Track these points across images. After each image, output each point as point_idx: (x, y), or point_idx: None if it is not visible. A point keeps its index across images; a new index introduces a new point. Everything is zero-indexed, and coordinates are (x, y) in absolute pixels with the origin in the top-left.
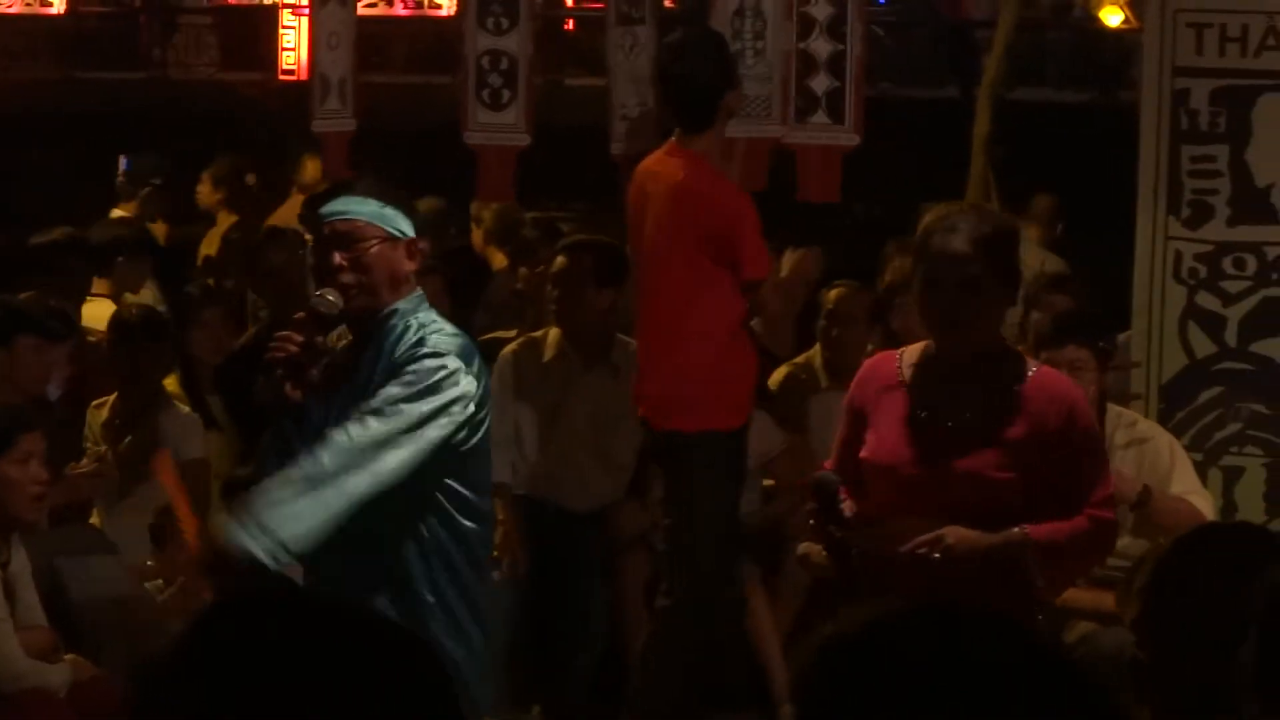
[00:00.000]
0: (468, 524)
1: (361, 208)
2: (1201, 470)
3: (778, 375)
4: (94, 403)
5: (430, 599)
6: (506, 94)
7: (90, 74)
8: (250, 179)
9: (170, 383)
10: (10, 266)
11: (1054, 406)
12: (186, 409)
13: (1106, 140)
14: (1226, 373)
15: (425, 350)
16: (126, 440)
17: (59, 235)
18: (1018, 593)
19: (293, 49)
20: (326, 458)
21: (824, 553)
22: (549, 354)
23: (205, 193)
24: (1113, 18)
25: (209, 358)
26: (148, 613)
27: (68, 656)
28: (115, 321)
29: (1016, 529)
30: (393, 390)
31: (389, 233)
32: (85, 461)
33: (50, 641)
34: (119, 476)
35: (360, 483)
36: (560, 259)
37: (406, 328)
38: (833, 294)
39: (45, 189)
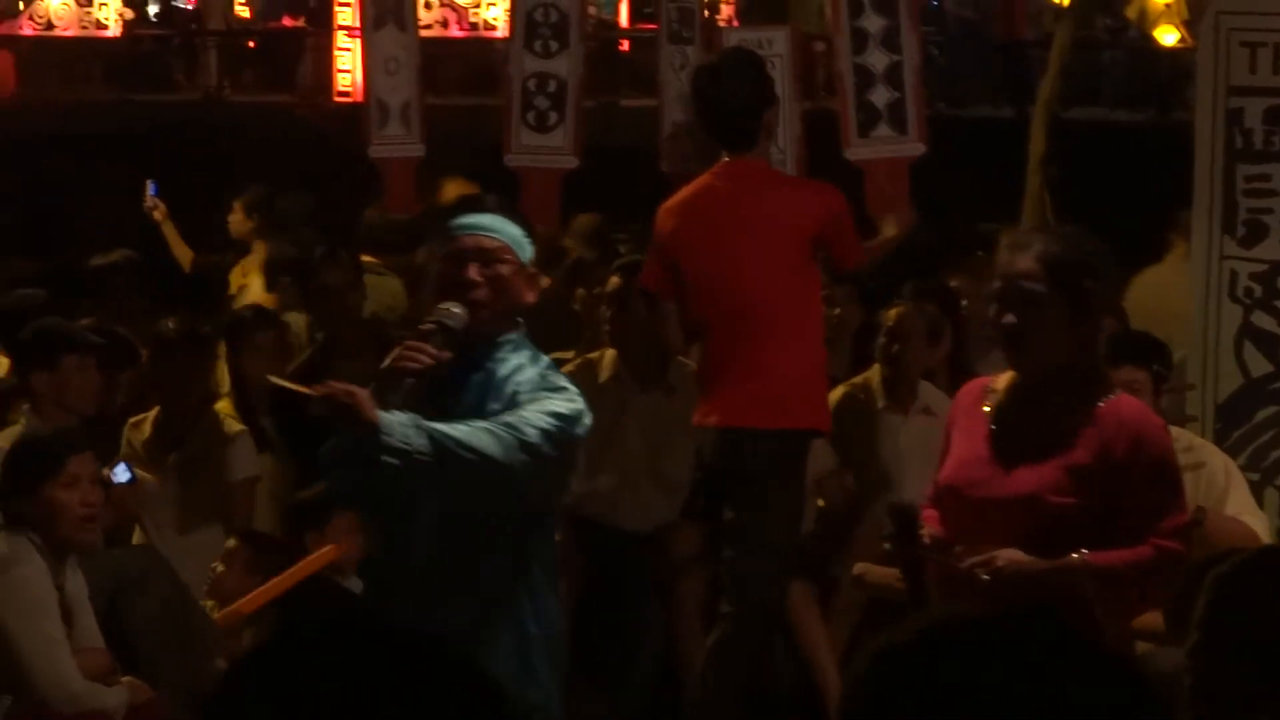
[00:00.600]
0: (552, 559)
1: (505, 229)
2: (1258, 490)
3: (835, 394)
4: (130, 420)
5: (535, 631)
6: (554, 116)
7: (145, 96)
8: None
9: (224, 405)
10: (67, 287)
11: (1124, 433)
12: (237, 426)
13: (1162, 159)
14: None
15: (560, 382)
16: (173, 457)
17: (118, 257)
18: (1078, 618)
19: (348, 71)
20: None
21: (899, 577)
22: (604, 375)
23: (238, 221)
24: (1168, 36)
25: (263, 380)
26: (205, 635)
27: (124, 678)
28: (156, 338)
29: (1076, 555)
30: (550, 405)
31: (521, 261)
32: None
33: (107, 663)
34: (167, 494)
35: (513, 454)
36: (615, 279)
37: (522, 363)
38: (892, 312)
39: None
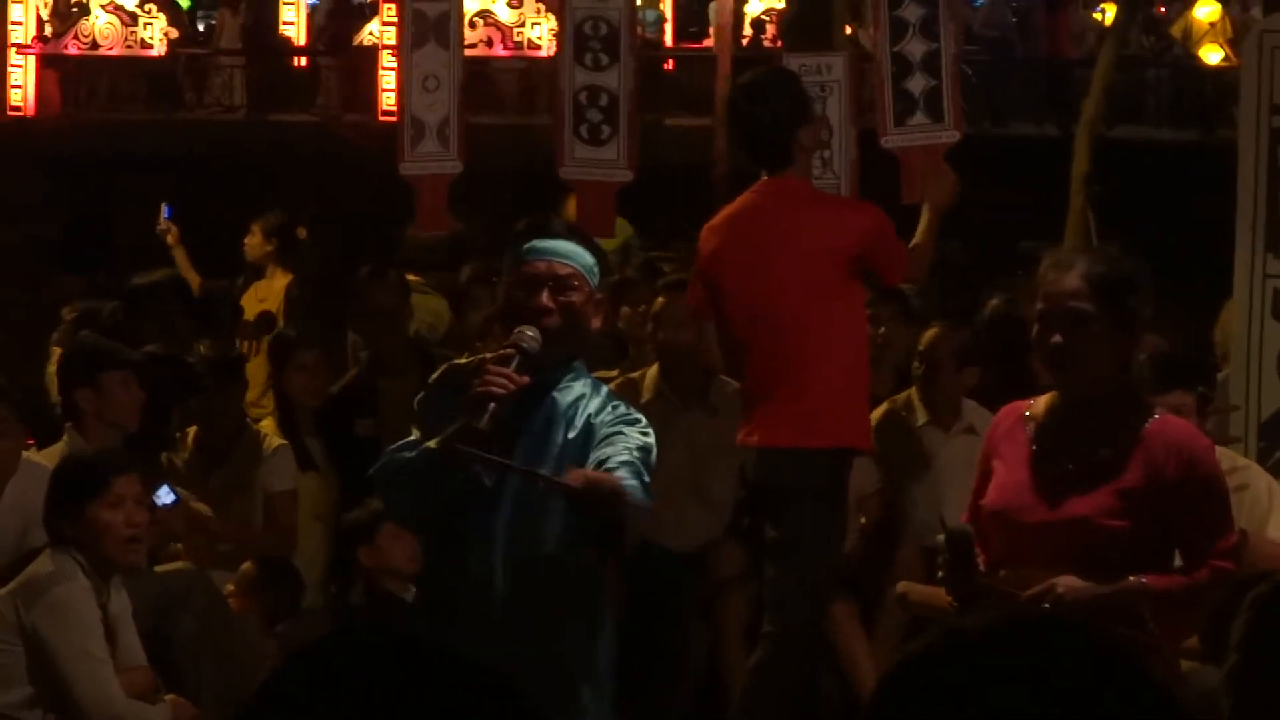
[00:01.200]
0: (609, 590)
1: (580, 257)
2: None
3: (877, 412)
4: None
5: (603, 682)
6: (606, 129)
7: (189, 115)
8: (301, 232)
9: (268, 425)
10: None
11: (1173, 454)
12: (277, 440)
13: (1206, 178)
14: None
15: (634, 418)
16: (213, 477)
17: (161, 276)
18: (1136, 640)
19: (392, 90)
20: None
21: (943, 597)
22: (647, 394)
23: (255, 245)
24: (1212, 55)
25: (306, 400)
26: (248, 654)
27: (168, 697)
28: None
29: (1133, 579)
30: (637, 439)
31: (592, 288)
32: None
33: (151, 682)
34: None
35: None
36: (661, 299)
37: (588, 390)
38: (927, 334)
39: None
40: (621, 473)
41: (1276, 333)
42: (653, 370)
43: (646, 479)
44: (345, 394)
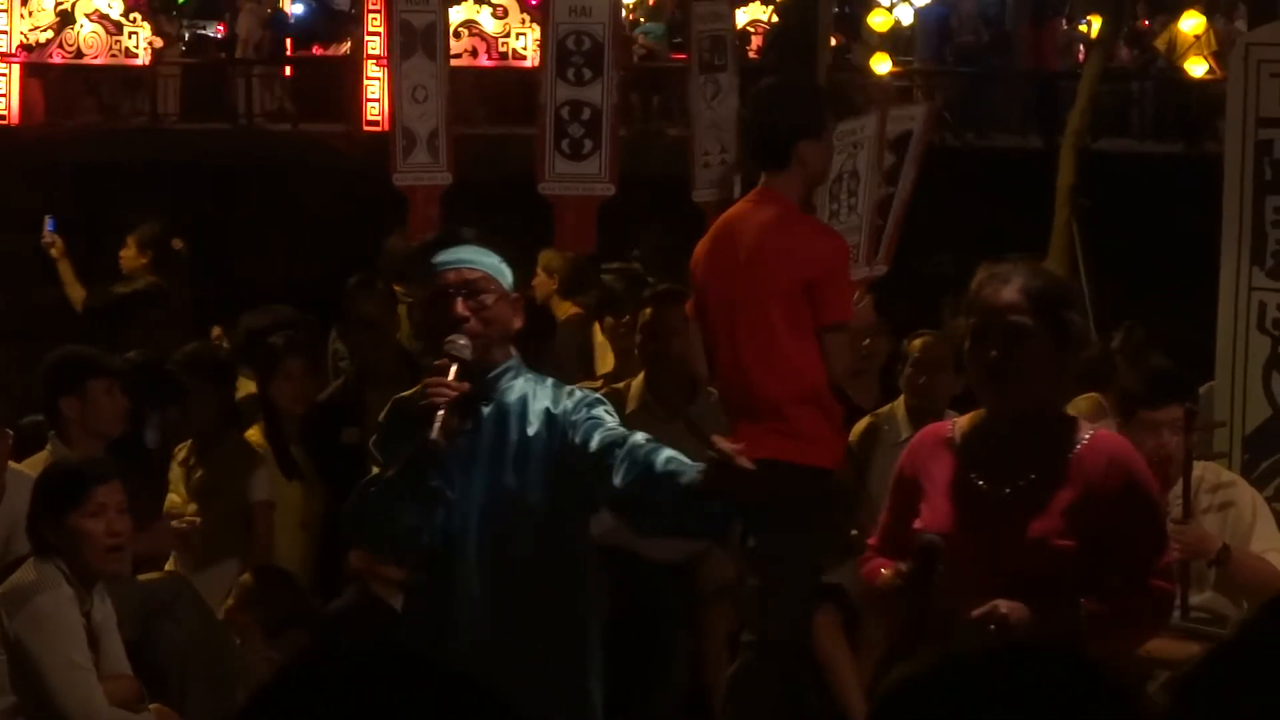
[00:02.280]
0: (597, 591)
1: (485, 259)
2: None
3: (860, 426)
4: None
5: (595, 689)
6: (588, 144)
7: (175, 125)
8: (177, 244)
9: (254, 433)
10: (97, 316)
11: (1114, 470)
12: (260, 450)
13: (1191, 191)
14: None
15: (592, 399)
16: (197, 475)
17: (143, 285)
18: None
19: (377, 100)
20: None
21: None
22: (632, 404)
23: (130, 257)
24: (1197, 68)
25: (293, 408)
26: (233, 662)
27: (152, 705)
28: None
29: (1076, 600)
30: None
31: (505, 287)
32: (185, 519)
33: (135, 690)
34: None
35: None
36: (649, 309)
37: (528, 384)
38: (918, 342)
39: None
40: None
41: (1261, 346)
42: (638, 381)
43: None
44: (331, 403)
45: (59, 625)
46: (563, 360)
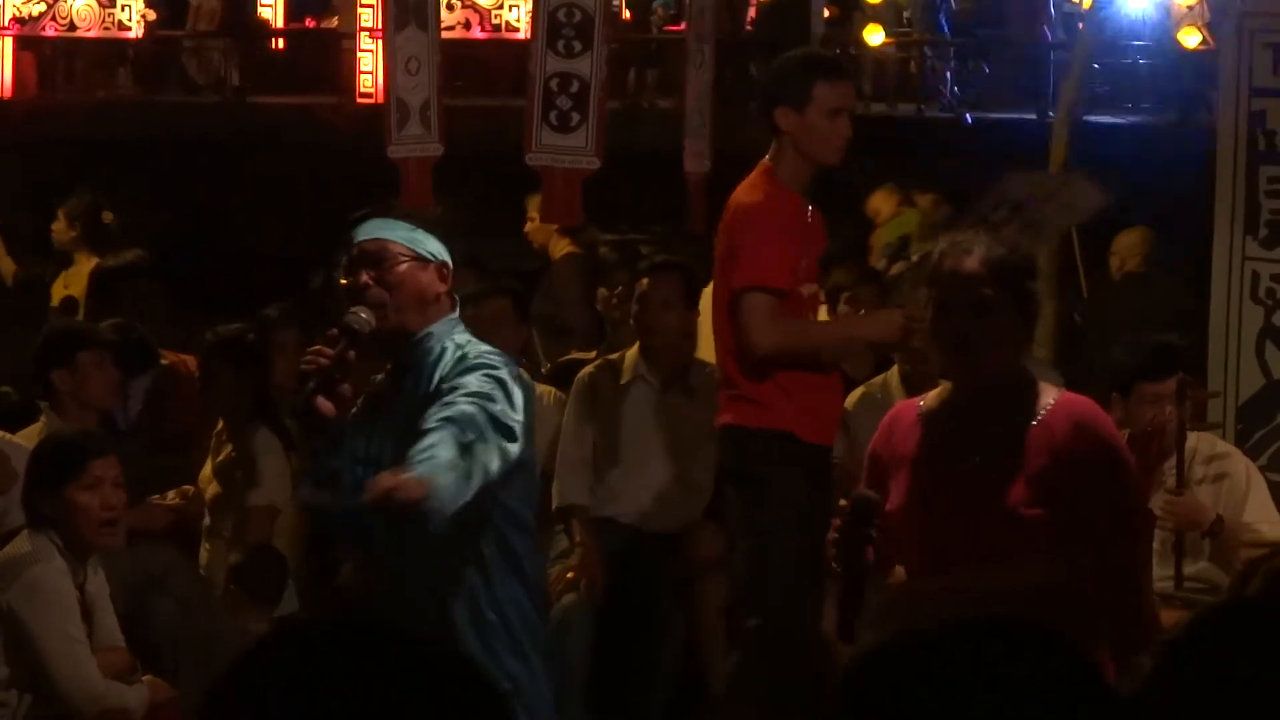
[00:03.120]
0: (519, 541)
1: (391, 230)
2: (1278, 491)
3: (853, 396)
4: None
5: (493, 618)
6: (575, 116)
7: (167, 97)
8: (107, 217)
9: None
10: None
11: (1080, 433)
12: (275, 450)
13: (1184, 161)
14: None
15: (477, 362)
16: (221, 457)
17: (132, 258)
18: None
19: (370, 72)
20: (453, 440)
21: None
22: (627, 376)
23: (60, 230)
24: (1190, 39)
25: (286, 381)
26: (226, 634)
27: (145, 677)
28: (204, 345)
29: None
30: (473, 388)
31: (418, 254)
32: (172, 495)
33: (128, 663)
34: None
35: (492, 461)
36: (645, 280)
37: (444, 349)
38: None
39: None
40: (427, 456)
41: (1255, 316)
42: (632, 351)
43: (476, 433)
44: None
45: (52, 598)
46: (562, 296)
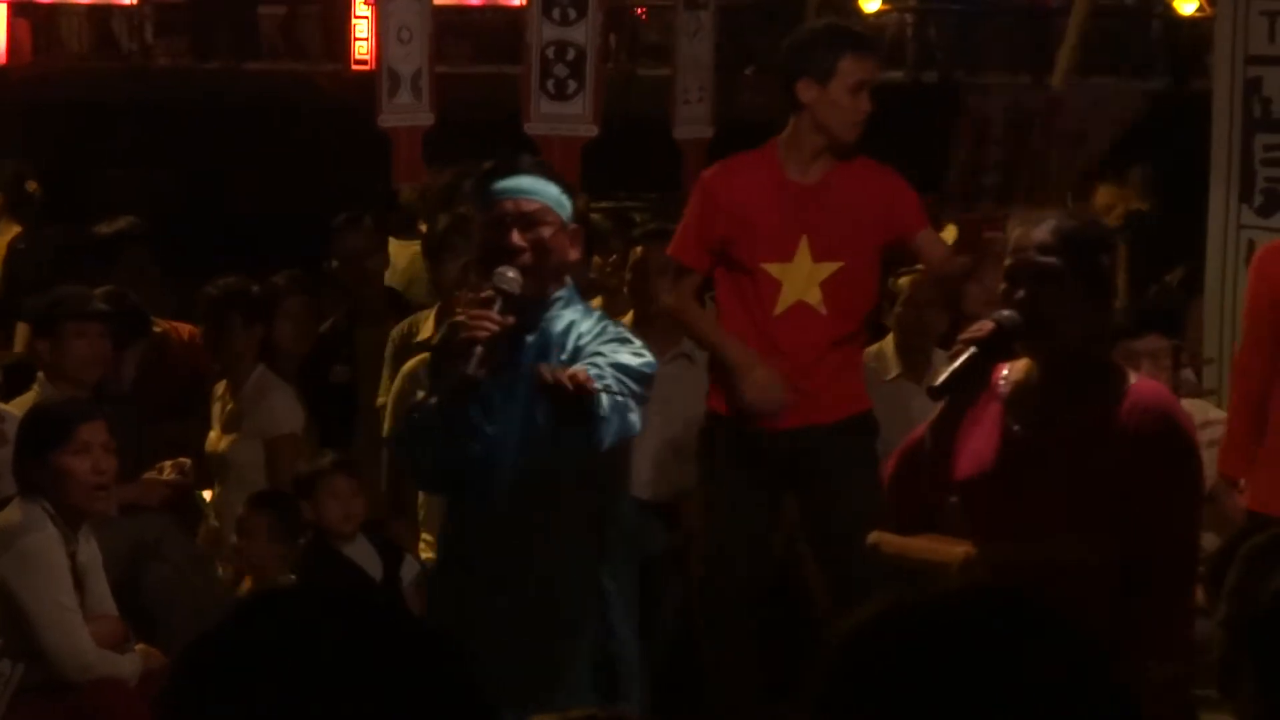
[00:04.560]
0: (623, 519)
1: (545, 189)
2: None
3: None
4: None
5: (610, 586)
6: (572, 85)
7: (161, 63)
8: (32, 185)
9: None
10: (76, 255)
11: (1152, 420)
12: (279, 384)
13: (1179, 128)
14: None
15: (624, 333)
16: (229, 408)
17: (125, 225)
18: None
19: (365, 39)
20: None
21: (915, 547)
22: None
23: None
24: (1187, 5)
25: (293, 348)
26: (220, 602)
27: (139, 646)
28: (202, 300)
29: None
30: (620, 356)
31: (563, 219)
32: (168, 468)
33: (121, 631)
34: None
35: (633, 421)
36: (639, 248)
37: (575, 313)
38: (904, 280)
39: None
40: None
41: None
42: (626, 319)
43: (617, 389)
44: (321, 342)
45: (45, 566)
46: None
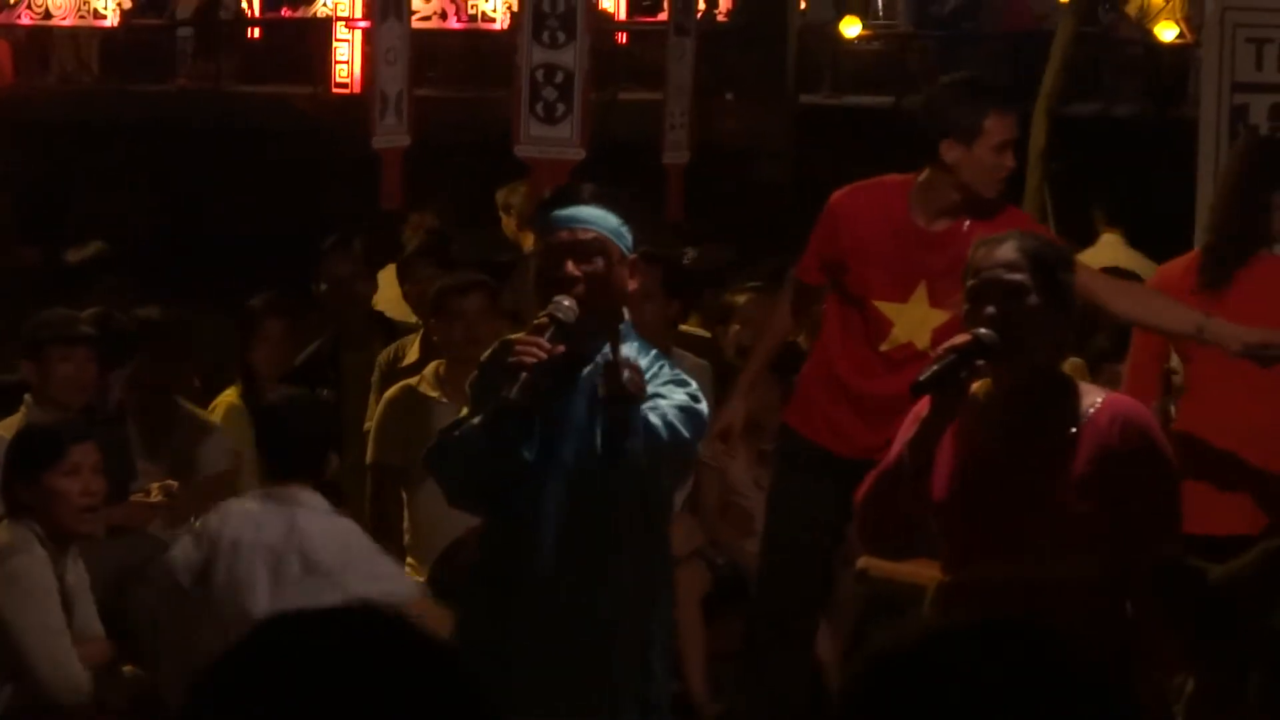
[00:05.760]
0: (667, 565)
1: (604, 221)
2: None
3: None
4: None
5: (655, 631)
6: (561, 108)
7: (142, 86)
8: None
9: (231, 394)
10: (51, 280)
11: (1128, 434)
12: (211, 419)
13: (1165, 155)
14: None
15: (680, 375)
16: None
17: (93, 251)
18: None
19: (345, 62)
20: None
21: (903, 572)
22: None
23: None
24: (1167, 32)
25: (270, 372)
26: (206, 625)
27: (125, 668)
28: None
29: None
30: (677, 398)
31: (622, 251)
32: (154, 490)
33: (108, 653)
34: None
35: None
36: None
37: (630, 349)
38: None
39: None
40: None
41: None
42: None
43: (679, 429)
44: (307, 364)
45: (33, 588)
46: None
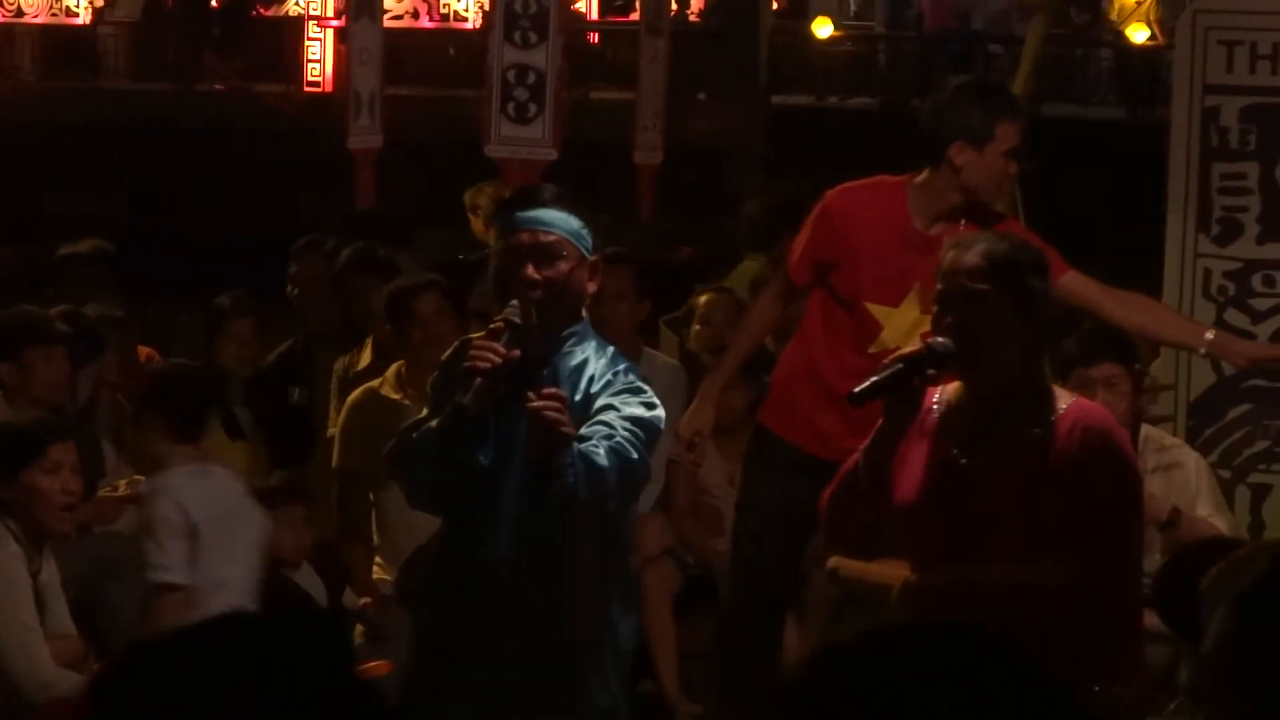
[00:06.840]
0: (625, 571)
1: (565, 223)
2: (1229, 487)
3: None
4: None
5: (605, 637)
6: (533, 108)
7: (114, 84)
8: None
9: None
10: (36, 277)
11: (1090, 439)
12: None
13: (1134, 156)
14: (1255, 390)
15: (636, 382)
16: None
17: (86, 247)
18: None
19: (318, 61)
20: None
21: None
22: None
23: None
24: (1138, 34)
25: (238, 370)
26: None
27: (97, 666)
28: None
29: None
30: (632, 410)
31: (582, 253)
32: (123, 486)
33: (80, 651)
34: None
35: (637, 474)
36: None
37: (588, 350)
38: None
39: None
40: (590, 433)
41: (1207, 312)
42: None
43: (626, 452)
44: (280, 363)
45: (7, 585)
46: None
